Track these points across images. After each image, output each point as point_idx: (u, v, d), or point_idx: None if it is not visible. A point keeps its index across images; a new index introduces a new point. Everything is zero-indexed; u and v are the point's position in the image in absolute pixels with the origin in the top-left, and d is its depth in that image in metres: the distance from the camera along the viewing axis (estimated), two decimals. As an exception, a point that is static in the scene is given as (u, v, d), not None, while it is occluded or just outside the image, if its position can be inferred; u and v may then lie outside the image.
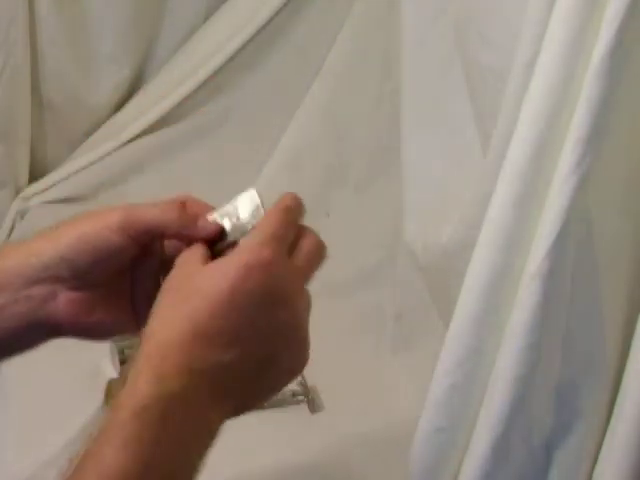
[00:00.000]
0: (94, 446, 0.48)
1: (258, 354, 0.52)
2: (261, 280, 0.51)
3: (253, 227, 0.56)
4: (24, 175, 1.35)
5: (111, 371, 1.04)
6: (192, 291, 0.52)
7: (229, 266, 0.52)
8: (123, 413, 0.49)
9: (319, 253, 0.57)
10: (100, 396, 1.00)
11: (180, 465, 0.50)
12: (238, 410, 0.54)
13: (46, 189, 1.35)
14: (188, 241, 0.57)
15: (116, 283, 0.60)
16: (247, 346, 0.52)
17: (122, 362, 1.03)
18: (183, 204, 0.58)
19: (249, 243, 0.53)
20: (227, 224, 0.57)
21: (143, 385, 0.49)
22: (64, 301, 0.58)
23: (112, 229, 0.57)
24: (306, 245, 0.56)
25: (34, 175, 1.37)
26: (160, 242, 0.60)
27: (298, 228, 0.56)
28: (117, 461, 0.47)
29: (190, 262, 0.55)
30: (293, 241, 0.55)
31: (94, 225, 0.57)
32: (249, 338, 0.52)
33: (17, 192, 1.34)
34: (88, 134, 1.39)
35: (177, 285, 0.53)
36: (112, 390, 1.00)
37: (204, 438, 0.51)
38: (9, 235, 1.30)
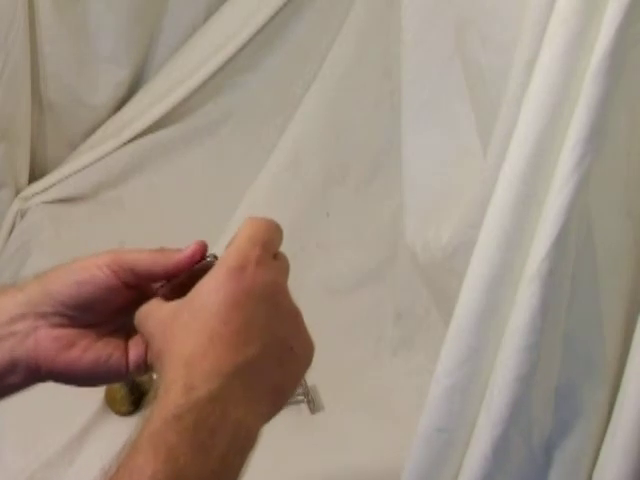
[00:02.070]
0: (126, 458, 0.48)
1: (275, 345, 0.54)
2: (257, 276, 0.53)
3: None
4: (24, 175, 1.35)
5: (111, 371, 1.04)
6: (196, 310, 0.53)
7: (222, 276, 0.53)
8: (155, 424, 0.49)
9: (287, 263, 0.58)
10: (100, 396, 1.01)
11: (217, 471, 0.49)
12: (273, 409, 0.54)
13: (46, 189, 1.35)
14: (173, 274, 0.58)
15: (101, 324, 0.60)
16: (263, 340, 0.53)
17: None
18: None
19: (233, 249, 0.54)
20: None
21: (173, 396, 0.50)
22: (43, 336, 0.58)
23: (99, 266, 0.58)
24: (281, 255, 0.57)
25: (34, 175, 1.37)
26: (150, 284, 0.60)
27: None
28: (150, 470, 0.47)
29: (155, 306, 0.56)
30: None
31: (82, 263, 0.58)
32: (263, 332, 0.53)
33: (17, 192, 1.34)
34: (88, 134, 1.39)
35: (170, 318, 0.54)
36: (112, 390, 1.00)
37: (241, 442, 0.51)
38: (9, 235, 1.30)
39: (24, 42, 1.25)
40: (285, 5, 1.30)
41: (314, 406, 1.05)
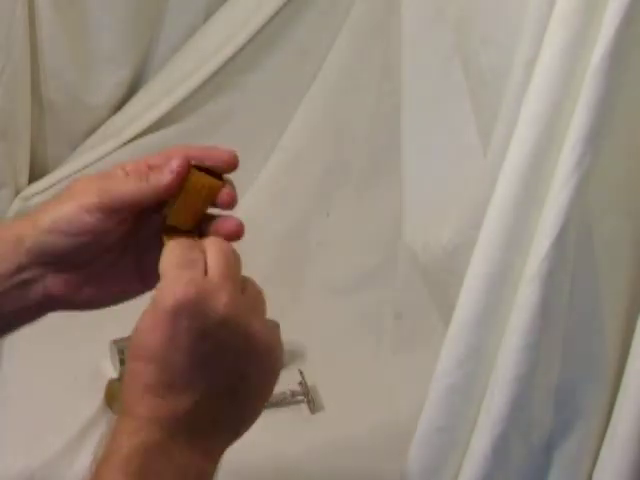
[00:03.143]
0: None
1: (222, 381, 0.52)
2: (190, 316, 0.50)
3: None
4: (24, 175, 1.35)
5: (111, 371, 1.04)
6: (136, 350, 0.52)
7: (156, 318, 0.51)
8: (107, 466, 0.49)
9: (227, 256, 0.55)
10: (100, 396, 1.01)
11: None
12: (234, 436, 0.54)
13: (46, 189, 1.34)
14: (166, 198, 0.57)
15: (104, 260, 0.60)
16: (207, 379, 0.52)
17: (122, 362, 1.03)
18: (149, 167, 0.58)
19: (162, 289, 0.52)
20: None
21: (121, 438, 0.50)
22: (52, 283, 0.59)
23: (89, 210, 0.56)
24: (212, 257, 0.54)
25: (34, 175, 1.37)
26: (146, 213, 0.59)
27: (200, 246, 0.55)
28: None
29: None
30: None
31: (71, 206, 0.56)
32: (205, 372, 0.52)
33: (17, 192, 1.34)
34: (88, 134, 1.39)
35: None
36: (112, 390, 1.00)
37: None
38: (9, 235, 1.30)
39: (24, 42, 1.25)
40: (285, 5, 1.30)
41: (314, 406, 1.05)
